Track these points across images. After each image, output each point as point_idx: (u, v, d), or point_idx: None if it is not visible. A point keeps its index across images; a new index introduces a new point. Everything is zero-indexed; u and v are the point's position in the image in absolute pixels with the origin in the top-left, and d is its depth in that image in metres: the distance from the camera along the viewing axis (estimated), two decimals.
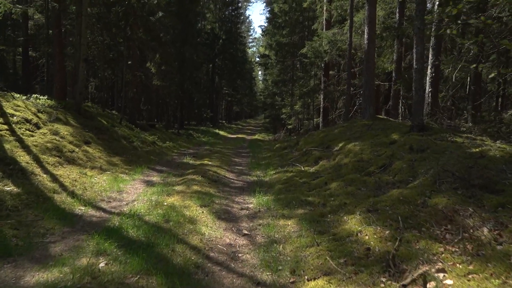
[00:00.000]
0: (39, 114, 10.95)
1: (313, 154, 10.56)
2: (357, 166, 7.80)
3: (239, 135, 37.41)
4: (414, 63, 9.04)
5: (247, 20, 67.99)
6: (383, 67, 14.86)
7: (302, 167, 9.55)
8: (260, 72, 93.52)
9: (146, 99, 25.70)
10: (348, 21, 17.68)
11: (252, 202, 7.06)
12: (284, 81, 28.71)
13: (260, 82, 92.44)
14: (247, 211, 6.45)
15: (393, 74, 16.59)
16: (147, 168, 10.28)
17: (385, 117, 13.72)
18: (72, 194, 6.84)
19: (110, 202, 6.84)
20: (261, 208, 6.55)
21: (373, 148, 8.40)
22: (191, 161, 12.03)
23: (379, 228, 4.79)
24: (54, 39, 13.73)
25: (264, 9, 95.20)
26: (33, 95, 13.15)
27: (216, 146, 19.07)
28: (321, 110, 21.92)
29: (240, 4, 53.18)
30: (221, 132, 39.14)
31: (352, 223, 5.17)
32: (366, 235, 4.72)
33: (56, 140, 9.55)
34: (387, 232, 4.65)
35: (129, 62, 17.76)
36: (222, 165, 11.24)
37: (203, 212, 6.12)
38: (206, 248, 4.77)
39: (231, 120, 61.78)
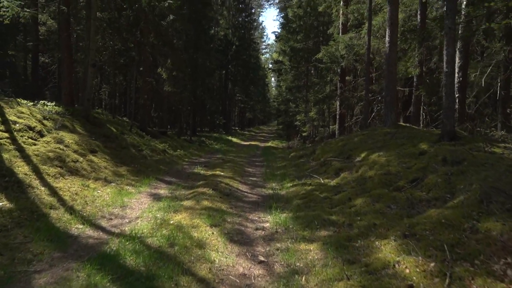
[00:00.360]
0: (45, 121, 10.42)
1: (332, 164, 9.79)
2: (384, 179, 7.00)
3: (252, 142, 36.75)
4: (444, 66, 8.23)
5: (260, 27, 67.57)
6: (407, 71, 14.00)
7: (321, 180, 8.78)
8: (273, 79, 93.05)
9: (158, 105, 25.22)
10: (366, 24, 16.94)
11: (268, 220, 6.32)
12: (298, 87, 27.98)
13: (273, 88, 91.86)
14: (263, 232, 5.71)
15: (414, 79, 15.74)
16: (155, 179, 9.62)
17: (407, 125, 12.87)
18: (71, 210, 6.20)
19: (111, 219, 6.17)
20: (279, 228, 5.80)
21: (401, 159, 7.60)
22: (202, 171, 11.35)
23: (421, 258, 4.01)
24: (63, 43, 13.26)
25: (277, 15, 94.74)
26: (41, 101, 12.68)
27: (228, 154, 18.40)
28: (337, 117, 21.10)
29: (253, 10, 52.82)
30: (234, 139, 38.53)
31: (387, 250, 4.39)
32: (406, 267, 3.94)
33: (59, 149, 8.98)
34: (431, 264, 3.87)
35: (140, 68, 17.25)
36: (235, 176, 10.53)
37: (213, 233, 5.40)
38: (216, 280, 4.04)
39: (244, 126, 61.22)
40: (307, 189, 8.06)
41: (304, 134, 24.40)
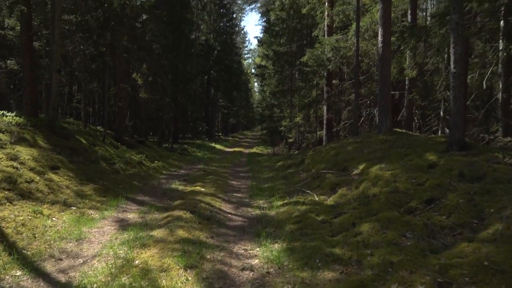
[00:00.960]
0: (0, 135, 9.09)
1: (327, 178, 8.68)
2: (392, 199, 5.91)
3: (236, 149, 35.56)
4: (452, 66, 7.23)
5: (242, 31, 66.59)
6: (403, 73, 13.05)
7: (315, 197, 7.66)
8: (256, 84, 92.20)
9: (135, 113, 23.81)
10: (353, 25, 16.03)
11: (257, 254, 5.14)
12: (282, 92, 26.95)
13: (256, 93, 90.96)
14: (251, 273, 4.51)
15: (406, 82, 14.84)
16: (125, 199, 8.34)
17: (403, 131, 11.89)
18: (11, 248, 4.91)
19: (61, 260, 4.90)
20: (271, 267, 4.62)
21: (409, 173, 6.52)
22: (180, 187, 10.11)
23: None
24: (23, 47, 11.87)
25: (259, 19, 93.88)
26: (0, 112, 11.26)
27: (211, 163, 17.18)
28: (325, 122, 20.09)
29: (234, 15, 51.79)
30: (218, 146, 37.25)
31: None
32: None
33: (12, 167, 7.64)
34: None
35: (114, 74, 15.91)
36: (217, 192, 9.32)
37: (187, 279, 4.19)
38: None
39: (227, 132, 59.98)
40: (301, 209, 6.91)
41: (290, 140, 23.34)
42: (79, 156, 11.15)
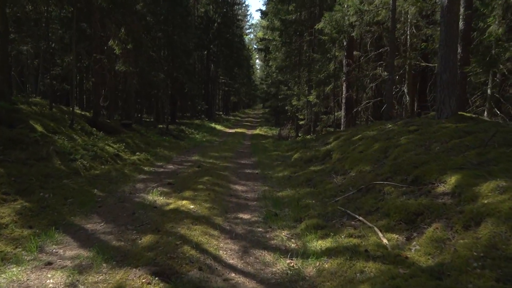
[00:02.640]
0: None
1: (388, 194, 5.30)
2: None
3: (238, 130, 32.20)
4: None
5: (244, 5, 62.03)
6: (489, 31, 9.45)
7: (380, 235, 4.32)
8: (257, 61, 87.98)
9: (122, 91, 20.36)
10: None
11: None
12: (291, 66, 23.31)
13: (258, 70, 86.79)
14: None
15: (459, 50, 11.33)
16: (62, 232, 5.02)
17: (475, 116, 8.49)
18: None
19: None
20: None
21: None
22: (161, 199, 6.77)
23: None
24: None
25: None
26: None
27: (209, 152, 13.83)
28: (343, 101, 16.65)
29: None
30: (218, 126, 33.87)
31: None
32: None
33: None
34: None
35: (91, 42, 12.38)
36: (213, 212, 5.99)
37: None
38: None
39: (228, 111, 56.44)
40: (367, 271, 3.61)
41: (301, 122, 19.89)
42: (22, 151, 7.83)
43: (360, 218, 5.03)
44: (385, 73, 15.10)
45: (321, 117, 18.00)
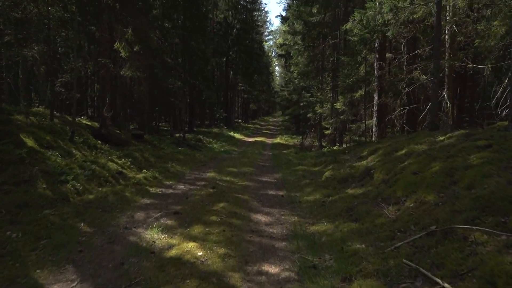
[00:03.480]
0: None
1: (480, 246, 3.61)
2: None
3: (258, 138, 30.63)
4: None
5: (263, 11, 60.66)
6: None
7: None
8: (277, 68, 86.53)
9: (132, 99, 19.11)
10: None
11: None
12: (316, 71, 21.62)
13: (277, 77, 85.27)
14: None
15: None
16: None
17: None
18: None
19: None
20: None
21: None
22: (161, 240, 5.15)
23: None
24: None
25: None
26: None
27: (226, 166, 12.26)
28: (375, 108, 14.87)
29: None
30: (237, 135, 32.37)
31: None
32: None
33: None
34: None
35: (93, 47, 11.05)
36: (230, 260, 4.38)
37: None
38: None
39: (247, 119, 55.03)
40: None
41: (327, 132, 18.13)
42: (1, 173, 6.42)
43: (445, 285, 3.33)
44: (424, 77, 13.31)
45: (350, 126, 16.22)
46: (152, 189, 8.37)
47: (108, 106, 12.42)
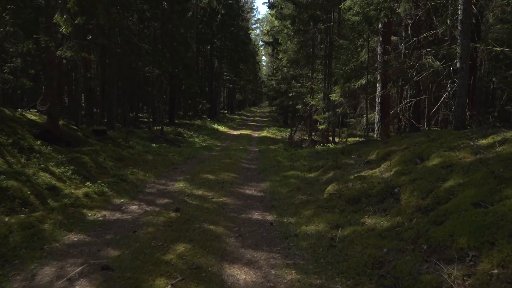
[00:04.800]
0: None
1: None
2: None
3: (243, 131, 28.24)
4: None
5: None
6: None
7: None
8: (264, 58, 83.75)
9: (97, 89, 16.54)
10: None
11: None
12: (307, 58, 19.20)
13: (264, 67, 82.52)
14: None
15: None
16: None
17: None
18: None
19: None
20: None
21: None
22: None
23: None
24: None
25: None
26: None
27: (201, 172, 9.84)
28: (378, 100, 12.61)
29: None
30: (221, 127, 29.89)
31: None
32: None
33: None
34: None
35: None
36: None
37: None
38: None
39: (233, 109, 52.45)
40: None
41: (321, 126, 15.79)
42: None
43: None
44: (437, 62, 11.04)
45: (348, 121, 13.93)
46: (91, 214, 5.92)
47: (57, 96, 9.85)
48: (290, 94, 22.64)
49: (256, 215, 6.18)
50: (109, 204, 6.56)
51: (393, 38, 12.74)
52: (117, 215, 5.99)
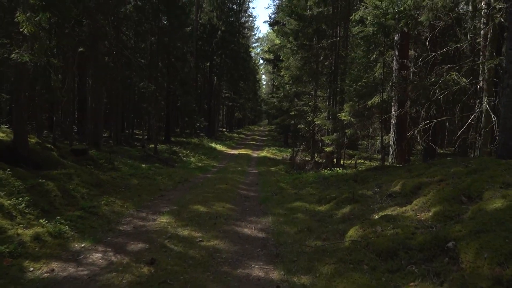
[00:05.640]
0: None
1: None
2: None
3: (242, 151, 26.75)
4: None
5: (251, 15, 56.99)
6: None
7: None
8: (263, 76, 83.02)
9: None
10: None
11: None
12: (312, 74, 17.85)
13: (264, 86, 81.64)
14: None
15: None
16: None
17: None
18: None
19: None
20: None
21: None
22: None
23: None
24: None
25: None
26: None
27: (191, 202, 8.28)
28: (393, 121, 11.16)
29: None
30: (218, 147, 28.39)
31: None
32: None
33: None
34: None
35: None
36: None
37: None
38: None
39: (232, 128, 51.10)
40: None
41: (328, 149, 14.26)
42: None
43: None
44: (464, 80, 9.65)
45: (361, 143, 12.45)
46: (33, 269, 4.33)
47: (26, 110, 8.37)
48: (292, 113, 21.26)
49: (256, 270, 4.60)
50: (65, 250, 4.97)
51: (410, 52, 11.39)
52: (70, 269, 4.40)
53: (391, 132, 11.17)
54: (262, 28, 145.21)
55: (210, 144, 28.16)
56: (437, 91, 9.68)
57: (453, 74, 9.59)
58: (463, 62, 10.59)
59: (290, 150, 24.54)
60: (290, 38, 18.91)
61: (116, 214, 6.90)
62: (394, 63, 10.94)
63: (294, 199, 8.74)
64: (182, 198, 8.61)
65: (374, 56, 11.03)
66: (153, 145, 20.88)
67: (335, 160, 14.78)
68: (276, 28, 28.31)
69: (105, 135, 26.23)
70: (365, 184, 8.58)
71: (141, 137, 25.55)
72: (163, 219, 6.64)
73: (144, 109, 24.06)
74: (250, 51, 47.79)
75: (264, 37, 63.30)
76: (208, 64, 37.39)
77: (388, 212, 5.92)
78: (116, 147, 19.06)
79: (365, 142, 12.22)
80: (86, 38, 13.06)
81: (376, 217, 5.87)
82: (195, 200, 8.26)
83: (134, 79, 22.57)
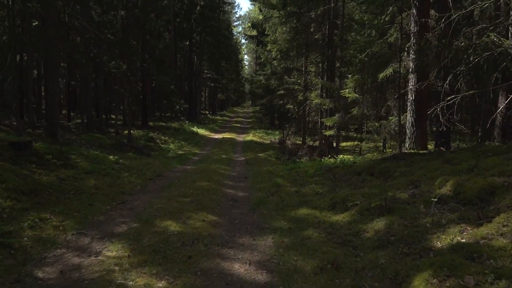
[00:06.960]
0: None
1: None
2: None
3: (226, 135, 24.38)
4: None
5: None
6: None
7: None
8: (246, 56, 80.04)
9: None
10: None
11: None
12: (307, 46, 15.45)
13: (246, 67, 78.75)
14: None
15: None
16: None
17: None
18: None
19: None
20: None
21: None
22: None
23: None
24: None
25: None
26: None
27: (163, 207, 6.00)
28: (411, 97, 8.99)
29: None
30: (201, 131, 25.92)
31: None
32: None
33: None
34: None
35: None
36: None
37: None
38: None
39: (215, 110, 48.50)
40: None
41: (329, 133, 12.05)
42: None
43: None
44: (507, 41, 7.48)
45: (371, 125, 10.27)
46: None
47: None
48: (280, 92, 18.94)
49: None
50: None
51: (432, 12, 9.12)
52: None
53: (408, 111, 9.01)
54: (243, 5, 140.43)
55: (192, 128, 25.67)
56: (471, 57, 7.50)
57: (492, 35, 7.38)
58: (497, 21, 8.43)
59: (278, 132, 22.35)
60: (275, 13, 16.38)
61: (42, 244, 4.55)
62: (412, 24, 8.69)
63: (297, 203, 6.53)
64: (149, 207, 6.29)
65: (387, 18, 8.73)
66: (127, 131, 18.35)
67: (334, 144, 12.65)
68: (257, 4, 25.68)
69: (78, 121, 23.53)
70: (390, 181, 6.43)
71: (115, 122, 22.88)
72: (112, 252, 4.34)
73: (116, 91, 21.35)
74: (231, 29, 44.83)
75: (245, 15, 60.12)
76: (187, 43, 34.49)
77: (456, 235, 3.77)
78: (86, 135, 16.51)
79: (376, 123, 10.07)
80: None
81: (440, 244, 3.71)
82: (165, 211, 5.95)
83: (104, 58, 19.78)
